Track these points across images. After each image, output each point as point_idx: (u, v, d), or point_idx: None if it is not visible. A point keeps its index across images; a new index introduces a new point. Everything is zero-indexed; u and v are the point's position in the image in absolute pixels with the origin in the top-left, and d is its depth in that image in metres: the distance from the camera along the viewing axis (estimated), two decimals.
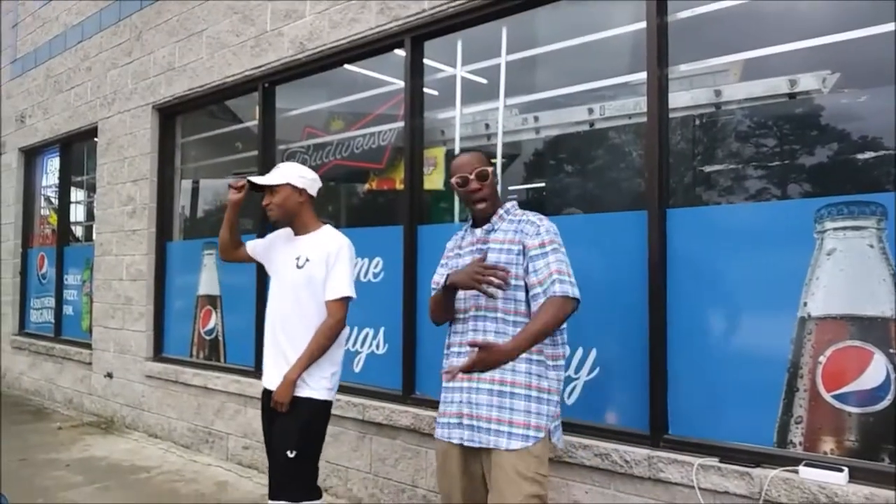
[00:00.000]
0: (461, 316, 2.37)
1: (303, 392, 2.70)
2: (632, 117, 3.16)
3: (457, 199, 3.79)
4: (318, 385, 2.73)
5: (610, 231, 3.07)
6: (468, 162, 2.38)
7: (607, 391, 3.04)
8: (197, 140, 5.90)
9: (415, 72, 3.90)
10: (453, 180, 2.39)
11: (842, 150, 2.60)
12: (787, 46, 2.69)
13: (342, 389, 3.07)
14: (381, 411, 3.77)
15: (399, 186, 4.02)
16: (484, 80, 3.78)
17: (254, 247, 3.07)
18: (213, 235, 3.26)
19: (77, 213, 7.59)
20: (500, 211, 2.39)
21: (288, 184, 2.79)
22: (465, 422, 2.26)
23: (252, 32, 4.84)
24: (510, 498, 2.13)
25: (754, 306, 2.66)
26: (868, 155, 2.52)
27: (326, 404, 2.78)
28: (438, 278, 2.42)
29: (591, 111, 3.33)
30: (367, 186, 4.41)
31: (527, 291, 2.25)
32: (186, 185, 5.97)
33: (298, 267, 2.78)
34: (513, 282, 2.24)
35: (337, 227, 2.91)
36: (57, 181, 7.60)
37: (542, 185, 3.67)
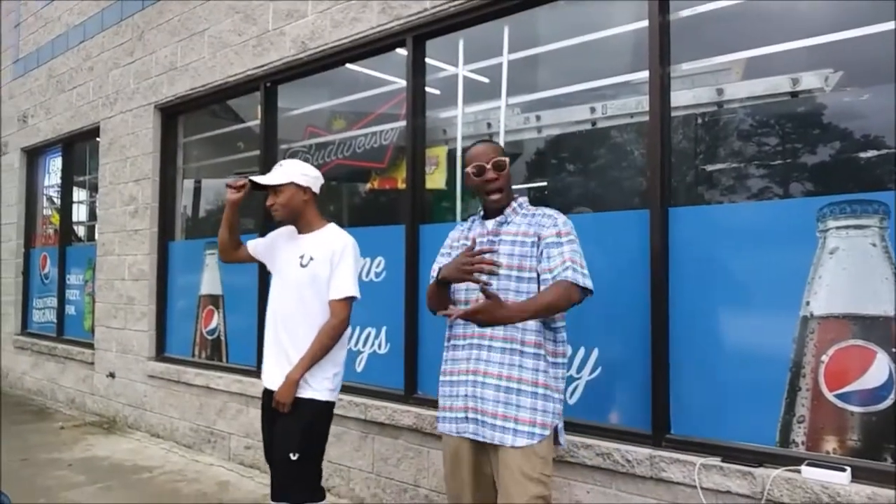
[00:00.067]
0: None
1: (305, 393, 2.69)
2: (634, 116, 3.16)
3: (458, 198, 3.79)
4: (320, 386, 2.71)
5: (612, 230, 3.06)
6: (485, 152, 2.35)
7: (609, 391, 3.03)
8: (199, 140, 5.90)
9: (416, 71, 3.90)
10: (468, 169, 2.35)
11: (844, 149, 2.59)
12: (790, 45, 2.68)
13: (344, 389, 3.06)
14: (383, 411, 3.77)
15: (401, 186, 4.02)
16: (486, 80, 3.78)
17: (255, 246, 3.04)
18: (214, 235, 3.25)
19: (79, 213, 7.60)
20: (514, 204, 2.37)
21: (292, 182, 2.76)
22: (471, 416, 2.25)
23: (254, 32, 4.84)
24: (516, 498, 2.13)
25: (757, 305, 2.66)
26: (871, 153, 2.52)
27: (329, 405, 2.76)
28: (437, 266, 2.39)
29: (592, 110, 3.32)
30: (368, 186, 4.41)
31: (539, 284, 2.22)
32: (188, 184, 5.97)
33: (302, 265, 2.75)
34: (526, 274, 2.23)
35: (339, 226, 2.90)
36: (59, 181, 7.61)
37: (544, 184, 3.67)
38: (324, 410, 2.75)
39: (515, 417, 2.18)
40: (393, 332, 3.94)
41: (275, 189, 2.77)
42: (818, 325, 2.49)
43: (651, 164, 2.92)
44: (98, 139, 6.57)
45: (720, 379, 2.71)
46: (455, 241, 2.48)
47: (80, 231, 7.60)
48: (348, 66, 4.39)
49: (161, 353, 5.77)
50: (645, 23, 2.98)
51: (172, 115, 5.87)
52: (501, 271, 2.23)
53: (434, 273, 2.36)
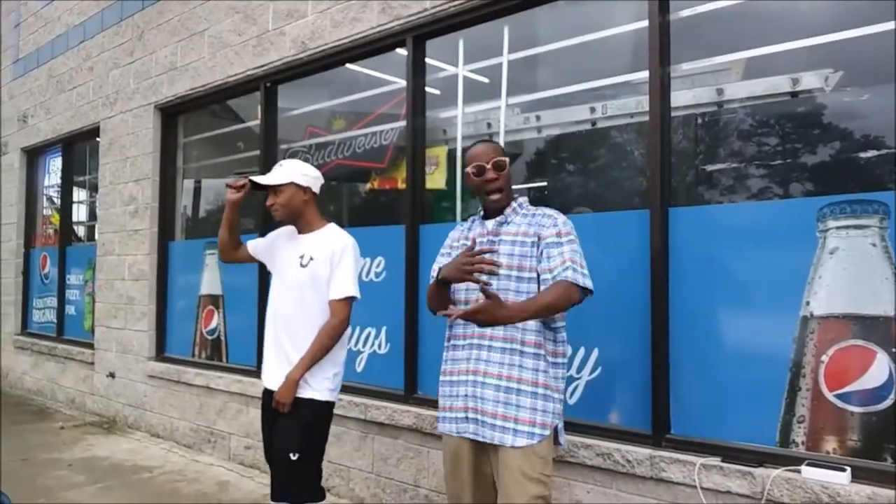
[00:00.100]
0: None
1: (305, 393, 2.69)
2: (634, 116, 3.16)
3: (458, 198, 3.79)
4: (320, 386, 2.71)
5: (612, 230, 3.06)
6: (485, 151, 2.35)
7: (609, 391, 3.03)
8: (199, 140, 5.90)
9: (416, 71, 3.90)
10: (468, 169, 2.34)
11: (844, 149, 2.59)
12: (789, 45, 2.68)
13: (344, 389, 3.07)
14: (383, 411, 3.77)
15: (401, 186, 4.02)
16: (486, 80, 3.78)
17: (255, 246, 3.04)
18: (214, 235, 3.25)
19: (79, 213, 7.60)
20: (514, 204, 2.37)
21: (291, 182, 2.76)
22: (471, 416, 2.25)
23: (254, 32, 4.84)
24: (516, 498, 2.13)
25: (757, 305, 2.66)
26: (871, 153, 2.52)
27: (329, 405, 2.76)
28: (437, 266, 2.39)
29: (592, 110, 3.32)
30: (368, 186, 4.41)
31: (539, 284, 2.22)
32: (188, 184, 5.97)
33: (302, 265, 2.75)
34: (526, 274, 2.23)
35: (339, 226, 2.89)
36: (59, 181, 7.61)
37: (544, 184, 3.67)
38: (324, 410, 2.75)
39: (515, 417, 2.18)
40: (393, 332, 3.94)
41: (275, 189, 2.77)
42: (818, 325, 2.49)
43: (651, 164, 2.92)
44: (98, 139, 6.57)
45: (720, 379, 2.70)
46: (455, 241, 2.48)
47: (80, 231, 7.60)
48: (348, 66, 4.39)
49: (161, 353, 5.77)
50: (645, 23, 2.98)
51: (172, 115, 5.87)
52: (501, 271, 2.23)
53: (434, 273, 2.36)
